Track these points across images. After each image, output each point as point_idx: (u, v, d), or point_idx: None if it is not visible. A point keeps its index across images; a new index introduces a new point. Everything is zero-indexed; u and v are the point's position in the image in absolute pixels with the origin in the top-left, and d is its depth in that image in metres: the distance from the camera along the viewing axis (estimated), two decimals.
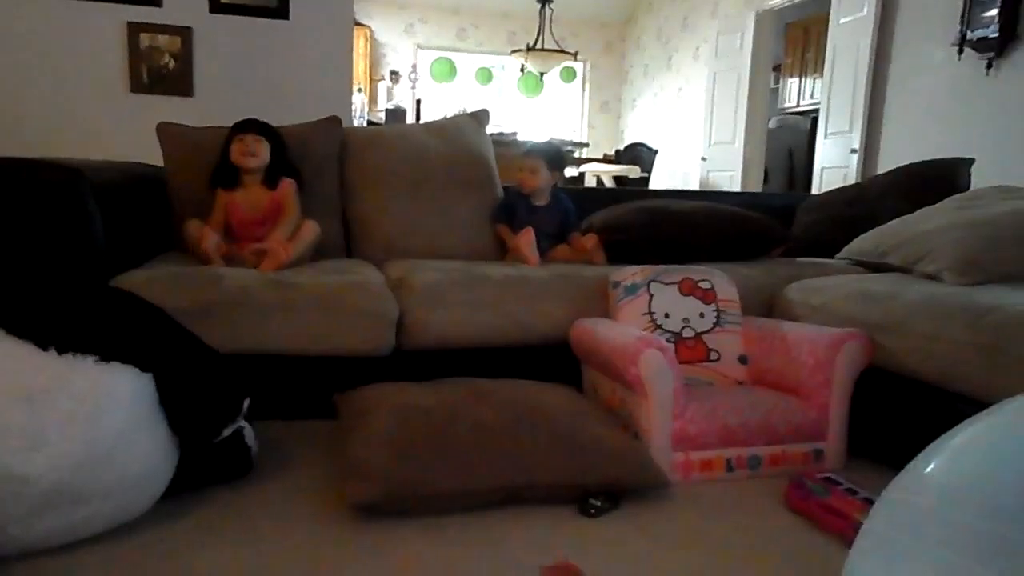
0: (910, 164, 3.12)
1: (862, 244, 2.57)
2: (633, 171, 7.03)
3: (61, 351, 1.28)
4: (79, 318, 1.37)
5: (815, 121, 6.02)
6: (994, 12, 4.06)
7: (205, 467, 1.56)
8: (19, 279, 1.57)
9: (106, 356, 1.31)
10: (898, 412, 1.89)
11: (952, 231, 2.19)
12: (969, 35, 4.24)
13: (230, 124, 2.42)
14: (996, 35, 4.05)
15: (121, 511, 1.36)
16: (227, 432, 1.51)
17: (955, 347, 1.71)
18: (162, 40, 3.60)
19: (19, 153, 2.56)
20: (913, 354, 1.81)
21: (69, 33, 3.50)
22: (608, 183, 7.15)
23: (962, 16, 4.28)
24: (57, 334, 1.30)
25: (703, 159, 7.23)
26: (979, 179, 2.96)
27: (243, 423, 1.61)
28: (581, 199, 2.80)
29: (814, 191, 5.62)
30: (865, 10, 5.08)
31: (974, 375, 1.66)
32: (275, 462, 1.74)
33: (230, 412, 1.49)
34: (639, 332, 1.86)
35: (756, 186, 6.72)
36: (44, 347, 1.28)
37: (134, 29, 3.55)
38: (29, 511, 1.23)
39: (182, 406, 1.42)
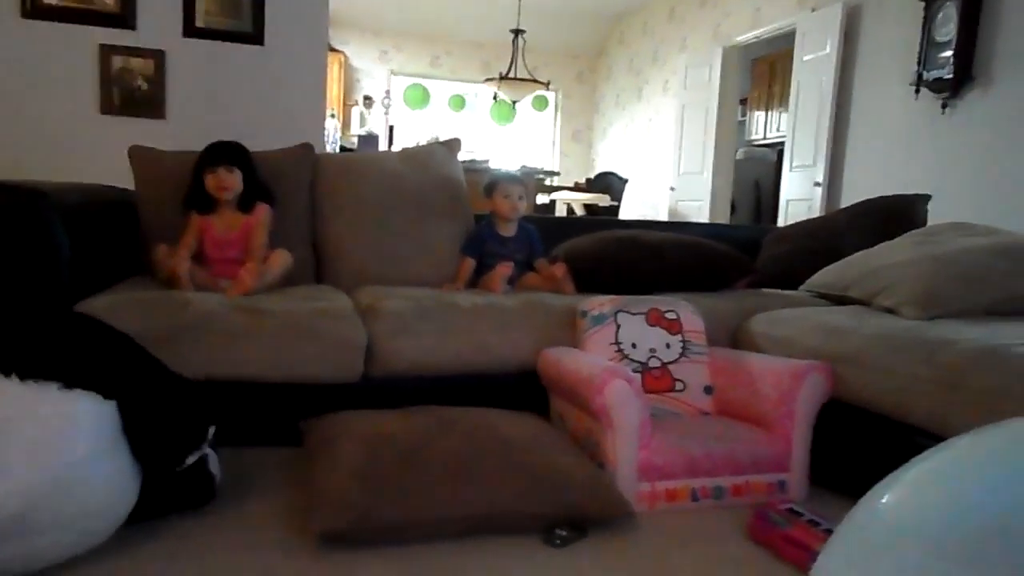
0: (870, 199, 3.21)
1: (825, 277, 2.63)
2: (603, 199, 7.12)
3: (23, 378, 1.26)
4: (42, 344, 1.36)
5: (781, 153, 6.16)
6: (949, 54, 4.22)
7: (168, 495, 1.54)
8: None
9: (69, 383, 1.29)
10: (859, 443, 1.93)
11: (910, 266, 2.26)
12: (925, 75, 4.39)
13: (202, 147, 2.42)
14: (951, 76, 4.20)
15: (81, 540, 1.34)
16: (191, 460, 1.50)
17: (911, 380, 1.76)
18: (135, 63, 3.58)
19: None
20: (871, 386, 1.86)
21: (41, 54, 3.46)
22: (579, 211, 7.23)
23: (919, 57, 4.43)
24: (20, 361, 1.28)
25: (672, 189, 7.36)
26: (935, 214, 3.06)
27: (207, 450, 1.60)
28: (550, 228, 2.83)
29: (780, 222, 5.74)
30: (828, 48, 5.24)
31: (930, 408, 1.70)
32: (239, 490, 1.73)
33: (194, 440, 1.48)
34: (605, 362, 1.88)
35: (724, 216, 6.84)
36: (6, 374, 1.26)
37: (107, 52, 3.53)
38: None
39: (145, 434, 1.40)
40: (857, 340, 1.96)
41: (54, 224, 1.81)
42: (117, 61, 3.56)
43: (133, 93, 3.61)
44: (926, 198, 3.11)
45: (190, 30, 3.63)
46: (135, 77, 3.60)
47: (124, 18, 3.54)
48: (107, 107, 3.58)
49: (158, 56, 3.60)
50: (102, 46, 3.53)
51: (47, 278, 1.81)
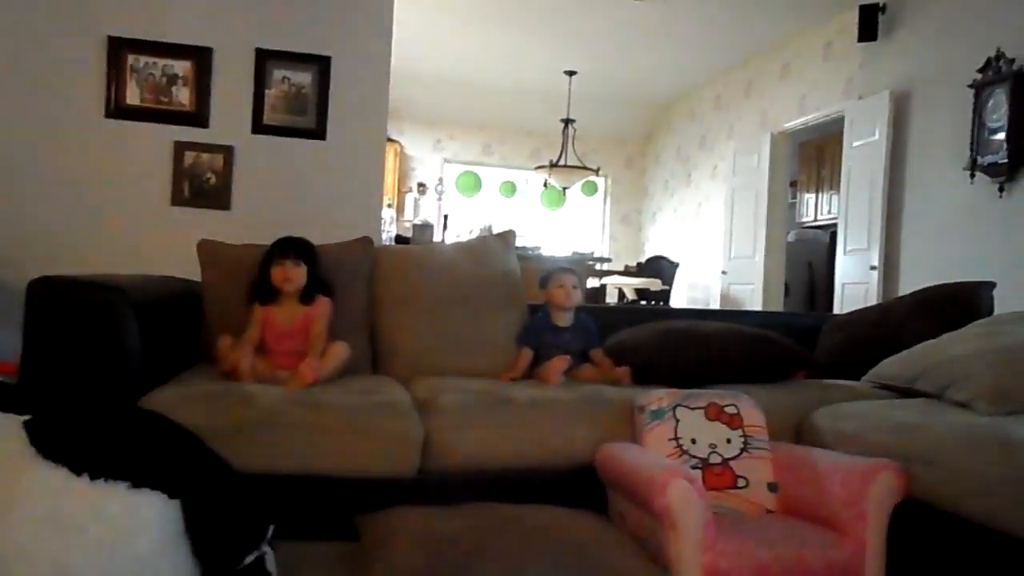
0: (931, 287, 3.14)
1: (890, 368, 2.55)
2: (654, 284, 7.11)
3: (94, 477, 1.29)
4: (111, 443, 1.38)
5: (833, 235, 6.10)
6: (1001, 138, 4.17)
7: None
8: (54, 399, 1.61)
9: (137, 483, 1.31)
10: (938, 547, 1.82)
11: (982, 358, 2.18)
12: (980, 160, 4.34)
13: (265, 238, 2.51)
14: (1005, 160, 4.15)
15: None
16: (249, 559, 1.49)
17: (992, 481, 1.67)
18: (205, 157, 3.78)
19: (66, 260, 2.68)
20: (949, 487, 1.77)
21: (121, 150, 3.69)
22: (629, 295, 7.22)
23: (971, 141, 4.39)
24: (90, 459, 1.31)
25: (723, 272, 7.31)
26: (998, 301, 2.97)
27: (265, 549, 1.59)
28: (603, 318, 2.82)
29: (835, 306, 5.65)
30: (877, 135, 5.25)
31: (1013, 511, 1.61)
32: None
33: (254, 539, 1.47)
34: (666, 461, 1.84)
35: (777, 299, 6.76)
36: (78, 472, 1.29)
37: (180, 147, 3.74)
38: None
39: (208, 534, 1.40)
40: (930, 437, 1.88)
41: (128, 320, 1.88)
42: (189, 156, 3.77)
43: (202, 185, 3.79)
44: (991, 285, 3.02)
45: (258, 127, 3.83)
46: (204, 171, 3.79)
47: (198, 117, 3.76)
48: (178, 199, 3.76)
49: (227, 151, 3.79)
50: (176, 142, 3.74)
51: (118, 373, 1.87)
